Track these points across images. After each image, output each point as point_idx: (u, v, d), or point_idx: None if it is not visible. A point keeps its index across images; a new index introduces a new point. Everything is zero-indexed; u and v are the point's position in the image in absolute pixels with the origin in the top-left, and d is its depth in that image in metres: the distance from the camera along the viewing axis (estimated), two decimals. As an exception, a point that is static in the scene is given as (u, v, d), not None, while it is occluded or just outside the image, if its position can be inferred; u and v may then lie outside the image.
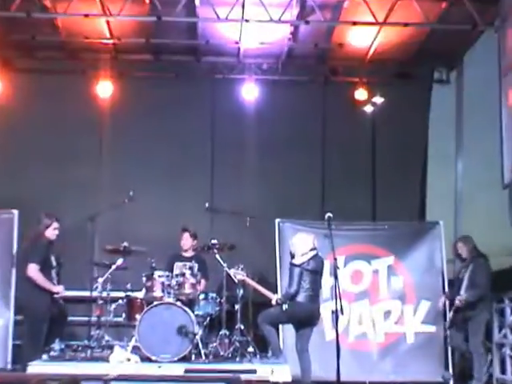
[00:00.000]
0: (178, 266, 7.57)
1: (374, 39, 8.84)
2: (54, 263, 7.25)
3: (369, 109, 9.35)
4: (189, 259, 7.93)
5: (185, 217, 8.67)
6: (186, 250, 8.13)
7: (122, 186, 8.35)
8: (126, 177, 8.90)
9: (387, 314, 8.36)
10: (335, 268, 6.27)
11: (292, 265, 6.73)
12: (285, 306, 6.63)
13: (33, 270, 7.08)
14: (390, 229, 8.46)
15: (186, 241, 8.08)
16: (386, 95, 9.23)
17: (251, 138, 9.16)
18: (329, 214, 6.45)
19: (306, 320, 6.71)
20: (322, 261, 6.92)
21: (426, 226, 8.80)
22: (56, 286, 7.20)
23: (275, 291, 7.60)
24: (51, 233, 7.28)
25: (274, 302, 6.78)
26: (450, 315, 7.67)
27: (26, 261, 7.17)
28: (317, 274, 6.77)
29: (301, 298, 6.65)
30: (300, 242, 6.88)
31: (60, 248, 7.42)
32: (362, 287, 8.43)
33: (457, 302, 7.50)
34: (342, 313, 6.16)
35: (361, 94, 9.35)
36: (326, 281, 7.19)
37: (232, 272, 7.25)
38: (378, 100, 9.29)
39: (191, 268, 7.51)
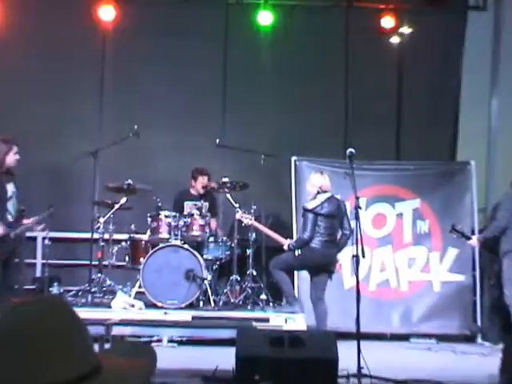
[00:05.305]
0: (188, 206, 7.18)
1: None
2: (10, 193, 6.22)
3: (395, 40, 8.66)
4: (198, 198, 7.59)
5: (193, 154, 8.28)
6: (196, 190, 7.76)
7: (127, 120, 7.85)
8: (131, 110, 8.36)
9: (412, 261, 7.98)
10: (357, 208, 5.74)
11: (305, 210, 6.42)
12: (297, 252, 6.38)
13: None
14: (416, 169, 8.02)
15: (203, 184, 7.69)
16: (415, 24, 8.50)
17: (267, 69, 8.54)
18: (351, 150, 5.93)
19: (320, 266, 6.43)
20: (340, 203, 6.54)
21: (456, 166, 8.35)
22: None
23: (291, 236, 7.24)
24: (12, 158, 6.22)
25: (285, 248, 6.52)
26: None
27: None
28: (333, 217, 6.42)
29: (315, 243, 6.38)
30: (312, 184, 6.52)
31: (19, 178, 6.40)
32: (384, 232, 8.00)
33: (473, 242, 7.04)
34: (364, 256, 5.66)
35: (387, 22, 8.55)
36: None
37: (238, 215, 6.85)
38: (406, 30, 8.59)
39: (200, 208, 7.11)
